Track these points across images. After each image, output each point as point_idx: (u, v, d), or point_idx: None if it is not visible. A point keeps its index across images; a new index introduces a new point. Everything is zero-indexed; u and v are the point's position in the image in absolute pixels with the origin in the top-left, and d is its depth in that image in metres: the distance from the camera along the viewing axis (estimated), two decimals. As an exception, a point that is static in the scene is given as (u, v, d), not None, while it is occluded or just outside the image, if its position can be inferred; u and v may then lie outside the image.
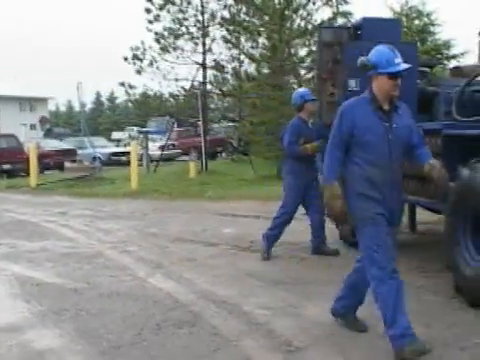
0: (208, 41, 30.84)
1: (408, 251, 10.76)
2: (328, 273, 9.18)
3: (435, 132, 8.68)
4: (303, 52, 28.37)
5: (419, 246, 11.26)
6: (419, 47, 22.38)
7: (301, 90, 11.64)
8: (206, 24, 30.70)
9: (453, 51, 27.65)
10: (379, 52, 6.13)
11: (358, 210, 6.07)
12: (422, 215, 11.70)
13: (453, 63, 23.42)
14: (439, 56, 25.45)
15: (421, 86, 10.89)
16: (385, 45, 6.27)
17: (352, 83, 10.86)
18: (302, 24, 28.08)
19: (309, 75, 26.87)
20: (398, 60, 6.10)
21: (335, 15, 28.06)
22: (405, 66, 6.16)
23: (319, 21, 27.68)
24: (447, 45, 27.69)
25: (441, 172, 6.27)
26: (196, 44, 31.04)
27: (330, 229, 11.01)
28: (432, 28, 28.25)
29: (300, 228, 11.15)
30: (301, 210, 10.82)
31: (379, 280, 5.96)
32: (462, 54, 27.25)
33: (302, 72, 28.08)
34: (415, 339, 5.74)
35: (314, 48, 26.31)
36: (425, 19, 28.31)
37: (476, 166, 7.38)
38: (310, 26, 27.86)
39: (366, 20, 11.53)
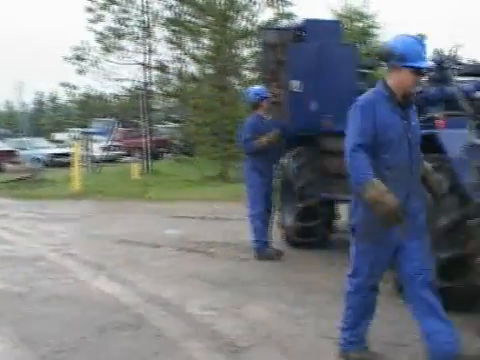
0: (151, 41, 30.97)
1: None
2: (271, 273, 9.24)
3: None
4: (246, 53, 28.41)
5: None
6: (360, 49, 22.60)
7: (256, 88, 11.37)
8: (149, 24, 30.77)
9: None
10: (407, 43, 5.38)
11: (365, 223, 5.52)
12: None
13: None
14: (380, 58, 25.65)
15: (362, 87, 11.01)
16: (411, 36, 5.58)
17: (295, 84, 10.96)
18: (245, 25, 28.09)
19: (252, 76, 26.90)
20: (424, 55, 5.53)
21: (278, 16, 28.17)
22: (429, 63, 5.82)
23: (262, 22, 27.76)
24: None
25: (436, 177, 6.18)
26: (139, 44, 31.01)
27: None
28: (373, 30, 28.59)
29: (242, 228, 11.15)
30: (244, 210, 10.81)
31: (359, 288, 5.69)
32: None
33: (245, 73, 28.15)
34: (365, 348, 5.75)
35: (257, 49, 26.39)
36: (367, 21, 28.65)
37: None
38: (253, 27, 27.91)
39: (308, 22, 11.63)
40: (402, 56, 5.26)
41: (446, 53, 8.98)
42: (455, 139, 7.02)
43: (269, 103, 10.82)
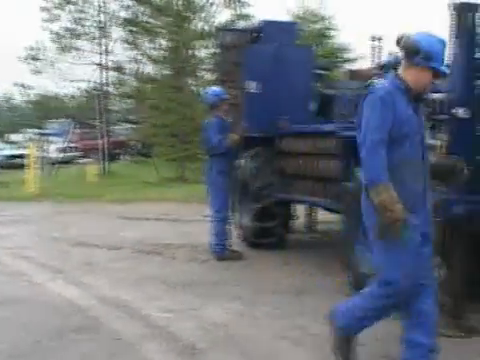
0: (108, 42, 30.85)
1: (307, 250, 10.98)
2: (228, 274, 9.23)
3: (331, 134, 8.84)
4: (203, 54, 28.42)
5: (318, 245, 11.50)
6: (317, 50, 22.73)
7: (215, 89, 11.22)
8: (106, 25, 30.64)
9: (349, 55, 28.26)
10: (433, 43, 5.09)
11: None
12: (322, 215, 11.89)
13: (350, 66, 23.86)
14: (336, 59, 25.88)
15: (318, 89, 11.09)
16: (437, 36, 5.25)
17: (251, 85, 10.98)
18: (202, 26, 28.08)
19: (210, 77, 26.87)
20: (445, 57, 5.28)
21: (235, 17, 28.19)
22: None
23: (219, 23, 27.80)
24: (344, 49, 28.23)
25: None
26: (96, 45, 30.82)
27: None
28: (330, 32, 28.74)
29: (200, 230, 11.14)
30: (202, 212, 10.81)
31: (387, 298, 5.23)
32: (358, 58, 27.84)
33: (203, 74, 28.10)
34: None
35: (214, 50, 26.38)
36: (323, 23, 28.79)
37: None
38: (210, 28, 27.90)
39: (265, 23, 11.65)
40: (428, 55, 5.02)
41: (400, 55, 9.06)
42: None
43: (227, 104, 10.80)
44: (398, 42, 5.21)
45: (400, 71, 5.21)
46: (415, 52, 5.05)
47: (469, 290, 6.53)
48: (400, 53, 8.95)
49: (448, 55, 6.71)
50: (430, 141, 6.76)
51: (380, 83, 5.26)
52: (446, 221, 6.29)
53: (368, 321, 5.50)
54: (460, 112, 6.40)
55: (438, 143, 6.46)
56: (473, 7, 6.50)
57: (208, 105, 10.91)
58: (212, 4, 27.99)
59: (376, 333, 6.47)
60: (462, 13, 6.47)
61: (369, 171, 5.08)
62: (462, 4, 6.45)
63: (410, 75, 5.11)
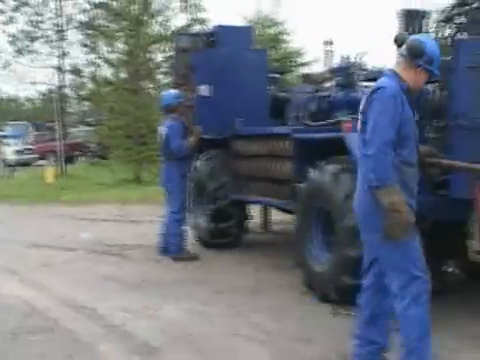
0: (65, 45, 30.69)
1: (262, 249, 11.02)
2: (183, 274, 9.23)
3: (286, 136, 8.90)
4: (160, 57, 28.38)
5: (273, 245, 11.54)
6: (271, 54, 22.80)
7: (174, 92, 11.17)
8: (63, 28, 30.41)
9: (303, 59, 28.44)
10: (434, 48, 5.07)
11: None
12: (276, 216, 11.94)
13: (304, 70, 24.04)
14: (290, 63, 26.00)
15: (272, 92, 11.14)
16: (432, 39, 5.42)
17: (203, 89, 11.05)
18: (159, 30, 28.05)
19: (166, 80, 26.88)
20: None
21: (191, 22, 28.24)
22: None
23: (176, 27, 27.83)
24: (297, 53, 28.38)
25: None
26: (53, 48, 30.61)
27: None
28: (283, 36, 28.85)
29: (156, 230, 11.08)
30: (158, 213, 10.78)
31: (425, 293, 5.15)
32: (310, 62, 28.05)
33: (159, 77, 28.09)
34: None
35: (171, 54, 26.36)
36: (277, 28, 28.89)
37: (324, 168, 7.63)
38: (167, 32, 27.89)
39: (220, 27, 11.66)
40: (430, 60, 5.00)
41: (352, 60, 9.17)
42: (361, 142, 7.10)
43: (184, 107, 10.84)
44: (396, 41, 5.24)
45: (398, 71, 5.09)
46: (420, 54, 5.01)
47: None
48: (351, 58, 9.10)
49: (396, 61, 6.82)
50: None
51: (385, 82, 5.04)
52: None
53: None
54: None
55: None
56: (420, 14, 6.61)
57: (165, 107, 10.83)
58: (168, 8, 28.00)
59: (326, 329, 6.56)
60: (410, 19, 6.56)
61: (379, 171, 4.83)
62: (410, 11, 6.54)
63: (409, 76, 5.05)
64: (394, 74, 5.06)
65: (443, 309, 7.07)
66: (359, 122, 5.05)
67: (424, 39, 5.09)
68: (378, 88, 4.95)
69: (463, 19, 6.45)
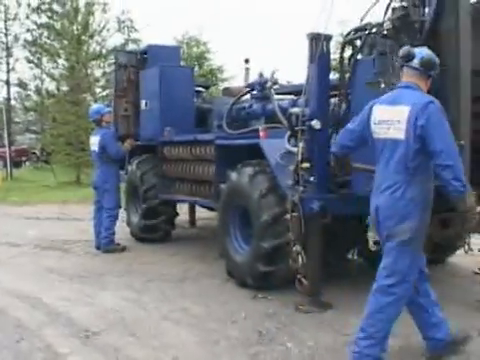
0: (12, 61, 30.28)
1: (189, 242, 11.02)
2: (119, 265, 9.14)
3: (209, 142, 8.91)
4: (98, 73, 28.17)
5: (199, 238, 11.51)
6: (197, 71, 22.81)
7: (96, 106, 11.42)
8: (10, 45, 30.00)
9: (224, 75, 28.55)
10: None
11: (423, 226, 4.90)
12: (201, 213, 11.93)
13: (225, 84, 24.06)
14: (213, 79, 26.07)
15: (197, 104, 11.15)
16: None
17: (142, 103, 11.11)
18: (97, 48, 27.86)
19: (103, 93, 26.71)
20: None
21: (126, 41, 28.12)
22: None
23: (112, 46, 27.76)
24: (219, 70, 28.49)
25: None
26: (0, 63, 30.08)
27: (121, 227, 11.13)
28: (207, 55, 28.92)
29: (90, 227, 10.94)
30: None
31: (406, 295, 4.99)
32: (230, 78, 28.16)
33: (97, 90, 27.84)
34: None
35: (108, 69, 26.26)
36: (202, 47, 28.94)
37: (242, 170, 7.65)
38: (104, 50, 27.74)
39: (151, 46, 11.66)
40: (437, 69, 5.10)
41: (267, 75, 9.23)
42: (274, 147, 7.18)
43: (109, 117, 10.90)
44: (406, 56, 5.02)
45: (415, 82, 4.99)
46: (434, 67, 5.05)
47: (323, 273, 6.74)
48: (266, 74, 9.13)
49: (306, 77, 6.91)
50: (290, 148, 6.94)
51: (422, 95, 4.91)
52: (304, 216, 6.43)
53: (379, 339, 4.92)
54: (315, 124, 6.56)
55: (296, 150, 6.60)
56: (326, 37, 6.69)
57: (92, 121, 11.05)
58: (105, 28, 27.83)
59: (246, 311, 6.60)
60: (318, 42, 6.64)
61: (462, 178, 4.60)
62: (318, 34, 6.62)
63: (422, 85, 5.01)
64: (417, 86, 4.96)
65: (348, 289, 7.32)
66: (403, 131, 4.75)
67: (432, 53, 5.07)
68: (429, 102, 4.75)
69: (360, 42, 6.56)
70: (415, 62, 4.98)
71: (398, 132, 4.78)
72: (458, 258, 8.57)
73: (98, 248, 10.35)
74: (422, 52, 5.04)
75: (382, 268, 4.94)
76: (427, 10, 6.51)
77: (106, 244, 10.22)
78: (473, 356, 5.29)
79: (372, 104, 5.18)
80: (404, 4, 6.45)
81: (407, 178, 4.78)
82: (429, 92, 6.35)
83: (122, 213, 11.30)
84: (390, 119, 4.88)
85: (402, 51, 5.06)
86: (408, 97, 4.87)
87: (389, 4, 6.50)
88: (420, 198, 4.82)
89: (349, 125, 5.52)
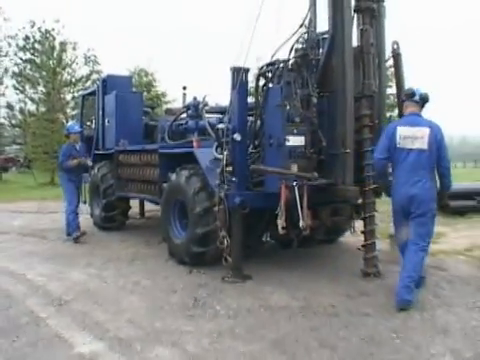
0: (2, 88, 30.23)
1: (139, 230, 10.78)
2: (84, 248, 8.83)
3: (154, 151, 8.68)
4: (69, 97, 28.03)
5: (147, 227, 11.25)
6: (145, 95, 22.72)
7: (68, 125, 11.08)
8: (0, 76, 30.12)
9: (166, 98, 28.44)
10: None
11: None
12: (149, 206, 11.71)
13: (167, 106, 23.94)
14: (158, 101, 25.95)
15: (145, 121, 10.96)
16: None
17: (106, 121, 10.88)
18: (68, 78, 27.76)
19: (73, 112, 26.51)
20: None
21: (91, 72, 28.11)
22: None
23: (80, 76, 27.79)
24: (163, 94, 28.36)
25: None
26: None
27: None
28: (154, 83, 28.78)
29: (62, 218, 10.59)
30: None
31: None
32: (171, 101, 27.98)
33: (68, 111, 27.55)
34: None
35: (76, 94, 26.15)
36: (150, 77, 28.79)
37: (180, 172, 7.48)
38: (74, 79, 27.73)
39: (109, 76, 11.41)
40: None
41: (200, 99, 9.15)
42: (205, 155, 7.08)
43: (77, 135, 10.24)
44: (411, 94, 5.76)
45: (417, 111, 5.74)
46: (428, 100, 5.76)
47: (244, 252, 6.68)
48: (199, 97, 9.01)
49: (229, 100, 6.83)
50: (217, 155, 6.86)
51: (430, 120, 5.68)
52: (228, 208, 6.39)
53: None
54: (236, 137, 6.50)
55: (222, 156, 6.56)
56: (245, 70, 6.64)
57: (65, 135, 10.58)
58: (75, 62, 27.72)
59: (184, 283, 6.47)
60: (238, 73, 6.58)
61: (451, 181, 5.72)
62: (238, 68, 6.57)
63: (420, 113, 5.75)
64: (420, 114, 5.73)
65: (264, 264, 7.27)
66: (426, 144, 5.49)
67: (426, 92, 5.77)
68: (438, 125, 5.61)
69: (271, 74, 6.54)
70: (416, 97, 5.70)
71: (422, 144, 5.49)
72: (346, 238, 8.63)
73: (67, 235, 9.92)
74: (419, 90, 5.75)
75: (419, 235, 5.54)
76: (321, 50, 6.58)
77: (72, 231, 9.75)
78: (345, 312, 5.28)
79: (395, 126, 5.72)
80: (304, 46, 6.51)
81: (428, 175, 5.54)
82: (322, 111, 6.43)
83: (87, 207, 11.06)
84: (413, 136, 5.54)
85: (407, 90, 5.90)
86: (422, 121, 5.63)
87: (293, 46, 6.59)
88: (435, 187, 5.64)
89: (379, 145, 5.82)
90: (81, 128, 10.63)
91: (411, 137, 5.52)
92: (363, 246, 6.58)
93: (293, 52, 6.57)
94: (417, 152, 5.49)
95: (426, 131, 5.48)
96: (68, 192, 9.95)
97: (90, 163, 10.23)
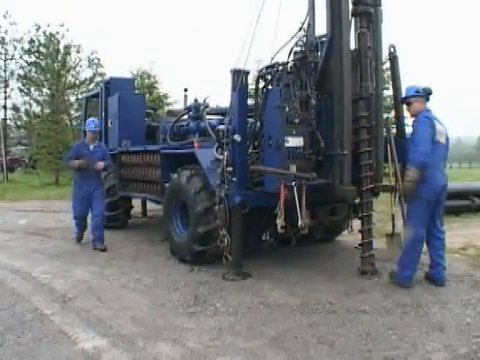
0: (8, 90, 30.43)
1: (141, 229, 10.77)
2: (87, 247, 8.80)
3: (156, 151, 8.67)
4: (73, 99, 28.07)
5: (149, 226, 11.24)
6: (148, 97, 22.73)
7: (88, 120, 9.28)
8: (7, 79, 30.27)
9: (168, 100, 28.45)
10: None
11: None
12: (151, 206, 11.69)
13: (168, 107, 23.87)
14: (160, 103, 25.89)
15: (148, 122, 10.95)
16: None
17: (109, 122, 10.84)
18: (72, 80, 27.72)
19: (77, 114, 26.51)
20: None
21: (94, 75, 28.08)
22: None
23: (84, 78, 27.95)
24: (165, 96, 28.30)
25: None
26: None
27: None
28: (156, 85, 28.74)
29: (69, 218, 10.55)
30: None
31: None
32: (173, 102, 27.99)
33: (72, 112, 27.52)
34: None
35: (80, 96, 26.15)
36: (152, 79, 28.73)
37: (181, 173, 7.48)
38: (77, 81, 27.71)
39: (112, 79, 11.40)
40: None
41: (201, 101, 9.15)
42: (206, 155, 7.06)
43: (93, 134, 8.94)
44: (430, 93, 6.14)
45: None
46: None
47: (244, 250, 6.68)
48: (200, 99, 9.00)
49: (229, 102, 6.82)
50: (217, 156, 6.86)
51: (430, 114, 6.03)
52: (229, 207, 6.38)
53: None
54: (236, 138, 6.50)
55: (222, 157, 6.56)
56: (245, 72, 6.63)
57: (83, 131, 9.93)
58: (78, 65, 27.70)
59: (185, 281, 6.46)
60: (238, 75, 6.58)
61: None
62: (238, 70, 6.56)
63: None
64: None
65: (263, 262, 7.27)
66: (444, 139, 6.05)
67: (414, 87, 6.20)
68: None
69: (270, 77, 6.54)
70: (429, 96, 6.11)
71: (444, 139, 6.01)
72: (343, 237, 8.62)
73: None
74: (421, 87, 6.14)
75: (442, 221, 6.15)
76: (320, 53, 6.57)
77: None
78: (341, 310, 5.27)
79: (432, 120, 5.93)
80: (303, 49, 6.51)
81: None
82: (320, 113, 6.42)
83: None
84: (441, 131, 5.96)
85: (427, 88, 6.13)
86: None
87: (292, 49, 6.60)
88: None
89: (423, 138, 5.87)
90: (98, 127, 9.26)
91: (440, 132, 5.92)
92: (360, 245, 6.58)
93: (292, 55, 6.57)
94: (442, 146, 5.98)
95: (443, 127, 6.04)
96: (74, 198, 9.05)
97: (100, 166, 8.75)
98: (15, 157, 37.09)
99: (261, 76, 6.81)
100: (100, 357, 4.30)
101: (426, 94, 6.10)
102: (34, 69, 28.24)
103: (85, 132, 9.39)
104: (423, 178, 5.76)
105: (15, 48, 29.23)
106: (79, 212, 9.01)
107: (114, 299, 5.84)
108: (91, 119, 9.27)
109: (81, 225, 9.17)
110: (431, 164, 5.78)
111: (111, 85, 11.13)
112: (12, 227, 11.47)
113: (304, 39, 6.54)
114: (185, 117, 9.72)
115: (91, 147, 8.91)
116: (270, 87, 6.56)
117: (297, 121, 6.07)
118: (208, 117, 8.92)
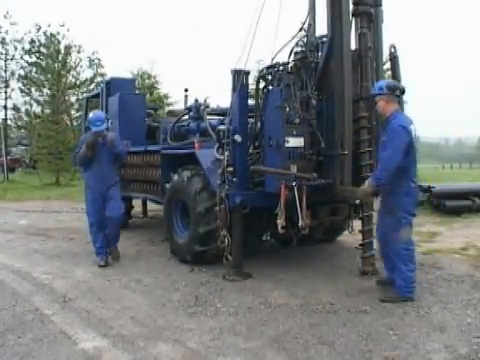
0: (9, 90, 30.77)
1: (142, 229, 10.77)
2: (88, 247, 8.79)
3: (157, 152, 8.67)
4: (73, 99, 28.10)
5: (149, 226, 11.25)
6: (148, 97, 22.73)
7: (92, 116, 7.75)
8: (7, 79, 30.58)
9: (168, 100, 28.45)
10: None
11: None
12: (151, 206, 11.70)
13: (169, 108, 23.88)
14: (160, 103, 25.89)
15: (148, 122, 10.94)
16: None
17: (110, 123, 10.69)
18: (73, 80, 27.72)
19: (77, 114, 26.53)
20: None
21: (95, 75, 28.09)
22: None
23: (84, 79, 27.90)
24: (165, 96, 28.31)
25: None
26: (0, 93, 30.68)
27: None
28: (156, 85, 28.75)
29: (70, 218, 10.61)
30: (71, 205, 10.28)
31: None
32: (173, 103, 28.00)
33: (72, 112, 27.57)
34: None
35: (80, 96, 26.17)
36: (152, 79, 28.76)
37: (181, 173, 7.49)
38: (78, 82, 27.72)
39: (113, 79, 11.36)
40: None
41: (201, 101, 9.14)
42: (206, 156, 7.07)
43: (101, 133, 7.84)
44: (403, 91, 5.80)
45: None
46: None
47: (244, 250, 6.68)
48: (200, 100, 9.03)
49: (230, 102, 6.82)
50: (218, 156, 6.86)
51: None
52: (229, 208, 6.38)
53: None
54: (237, 138, 6.50)
55: (223, 157, 6.56)
56: (246, 72, 6.63)
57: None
58: (79, 65, 27.71)
59: (186, 281, 6.46)
60: (239, 76, 6.58)
61: None
62: (239, 70, 6.56)
63: None
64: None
65: (263, 262, 7.27)
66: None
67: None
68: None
69: (271, 77, 6.54)
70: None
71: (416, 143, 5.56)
72: (344, 237, 8.62)
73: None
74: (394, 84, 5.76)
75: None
76: (320, 54, 6.57)
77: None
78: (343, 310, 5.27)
79: (410, 126, 5.42)
80: (303, 49, 6.50)
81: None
82: (321, 113, 6.42)
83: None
84: (415, 136, 5.49)
85: (394, 85, 5.65)
86: None
87: (292, 49, 6.59)
88: None
89: (401, 146, 5.35)
90: (105, 122, 7.81)
91: (415, 137, 5.56)
92: (361, 245, 6.58)
93: (293, 55, 6.56)
94: (414, 148, 5.54)
95: (414, 127, 5.55)
96: (86, 200, 7.79)
97: (111, 137, 7.72)
98: (15, 157, 37.07)
99: (261, 76, 6.80)
100: (100, 357, 4.30)
101: (392, 91, 5.54)
102: (35, 69, 28.33)
103: (86, 130, 8.86)
104: (406, 192, 5.49)
105: (16, 48, 29.48)
106: (95, 218, 7.66)
107: (115, 299, 5.84)
108: (96, 115, 7.82)
109: (102, 238, 7.72)
110: (410, 169, 5.47)
111: (112, 85, 11.10)
112: (13, 227, 11.50)
113: (305, 39, 6.54)
114: (185, 117, 9.71)
115: (99, 139, 7.64)
116: (271, 87, 6.54)
117: (297, 121, 6.07)
118: (208, 117, 8.92)
